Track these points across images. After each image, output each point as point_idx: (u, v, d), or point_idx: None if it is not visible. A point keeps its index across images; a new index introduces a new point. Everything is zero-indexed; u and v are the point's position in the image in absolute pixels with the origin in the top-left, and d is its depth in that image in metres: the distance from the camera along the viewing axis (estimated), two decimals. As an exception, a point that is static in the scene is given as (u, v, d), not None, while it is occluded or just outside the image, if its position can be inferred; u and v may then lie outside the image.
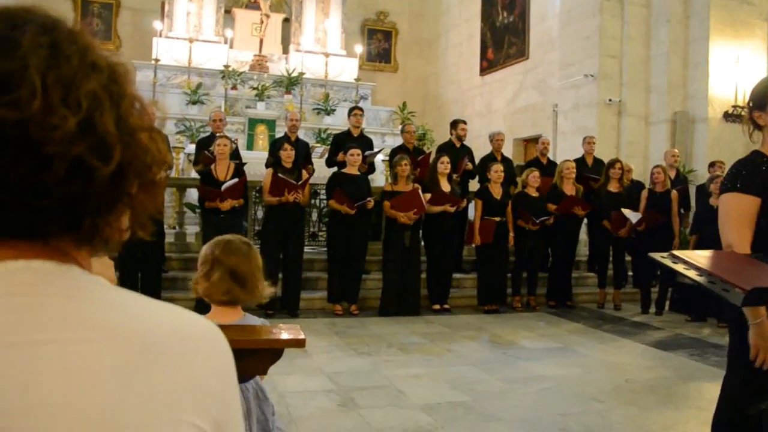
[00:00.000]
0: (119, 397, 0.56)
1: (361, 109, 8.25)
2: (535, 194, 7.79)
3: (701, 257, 2.11)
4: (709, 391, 4.61)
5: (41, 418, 0.53)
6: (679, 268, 2.07)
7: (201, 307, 2.31)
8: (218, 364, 0.65)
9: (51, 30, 0.58)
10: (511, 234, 7.62)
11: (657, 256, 2.18)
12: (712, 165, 8.55)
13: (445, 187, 7.37)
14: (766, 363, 2.21)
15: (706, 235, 7.16)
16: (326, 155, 8.43)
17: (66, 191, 0.57)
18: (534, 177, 7.78)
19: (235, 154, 7.58)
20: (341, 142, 7.80)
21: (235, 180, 6.73)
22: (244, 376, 2.08)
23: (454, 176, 7.66)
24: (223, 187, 6.59)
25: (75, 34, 0.60)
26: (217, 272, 2.14)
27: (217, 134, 7.46)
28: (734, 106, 9.75)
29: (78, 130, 0.56)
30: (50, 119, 0.55)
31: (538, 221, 7.55)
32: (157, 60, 11.93)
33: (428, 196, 7.20)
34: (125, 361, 0.57)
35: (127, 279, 6.15)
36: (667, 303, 7.87)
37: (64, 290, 0.59)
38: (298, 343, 2.16)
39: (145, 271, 6.61)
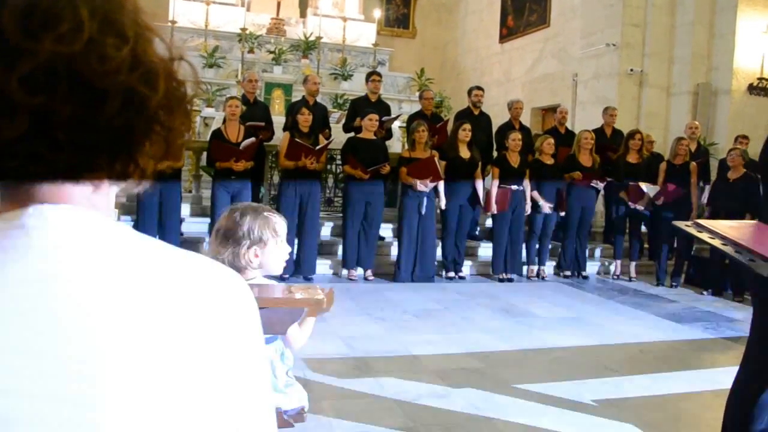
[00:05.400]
0: (155, 345, 0.56)
1: (379, 75, 8.17)
2: (550, 161, 7.72)
3: (727, 227, 2.08)
4: (723, 363, 4.62)
5: (83, 362, 0.54)
6: (704, 237, 2.06)
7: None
8: (245, 315, 0.66)
9: None
10: (528, 203, 7.59)
11: (681, 224, 2.16)
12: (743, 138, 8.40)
13: (465, 153, 7.33)
14: None
15: (719, 207, 7.10)
16: (343, 120, 8.38)
17: (117, 125, 0.57)
18: (548, 144, 7.70)
19: (264, 116, 7.62)
20: (359, 108, 7.74)
21: (252, 139, 6.68)
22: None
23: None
24: (242, 145, 6.55)
25: None
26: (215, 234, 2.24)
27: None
28: (760, 78, 9.55)
29: (130, 60, 0.56)
30: (103, 50, 0.54)
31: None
32: (173, 22, 11.83)
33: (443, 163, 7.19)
34: (160, 310, 0.58)
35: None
36: (683, 276, 7.85)
37: (102, 241, 0.59)
38: (319, 304, 2.18)
39: (162, 234, 6.65)
